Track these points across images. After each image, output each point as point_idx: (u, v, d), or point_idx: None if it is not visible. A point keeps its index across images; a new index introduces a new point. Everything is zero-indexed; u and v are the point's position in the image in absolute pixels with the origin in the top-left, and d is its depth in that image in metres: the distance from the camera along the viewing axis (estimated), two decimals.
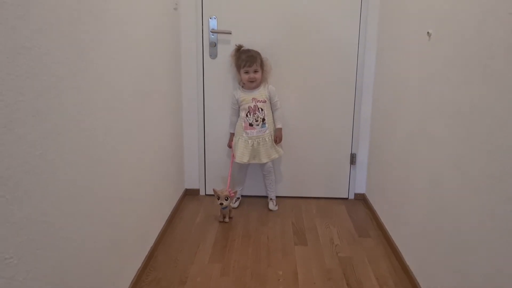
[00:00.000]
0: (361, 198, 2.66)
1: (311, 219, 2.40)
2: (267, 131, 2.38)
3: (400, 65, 1.99)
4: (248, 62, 2.29)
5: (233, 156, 2.43)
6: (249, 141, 2.38)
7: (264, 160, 2.40)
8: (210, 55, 2.46)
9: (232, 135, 2.49)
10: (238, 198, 2.58)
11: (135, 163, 1.68)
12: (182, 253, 1.99)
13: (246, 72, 2.31)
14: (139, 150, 1.73)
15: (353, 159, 2.61)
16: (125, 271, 1.62)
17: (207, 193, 2.69)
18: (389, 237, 2.07)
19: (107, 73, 1.36)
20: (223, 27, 2.41)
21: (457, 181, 1.37)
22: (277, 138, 2.42)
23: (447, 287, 1.44)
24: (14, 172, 0.88)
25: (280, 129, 2.43)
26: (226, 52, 2.44)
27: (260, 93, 2.37)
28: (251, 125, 2.36)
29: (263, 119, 2.36)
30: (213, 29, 2.42)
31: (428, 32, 1.62)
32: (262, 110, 2.36)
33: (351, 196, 2.68)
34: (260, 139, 2.37)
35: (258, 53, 2.34)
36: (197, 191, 2.70)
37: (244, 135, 2.38)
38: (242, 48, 2.38)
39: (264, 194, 2.63)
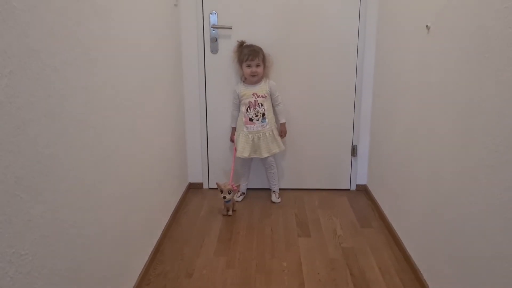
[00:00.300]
0: (362, 189, 2.69)
1: (314, 210, 2.43)
2: (267, 126, 2.40)
3: (399, 57, 2.01)
4: (250, 56, 2.31)
5: (235, 150, 2.46)
6: (250, 135, 2.40)
7: (265, 155, 2.43)
8: (211, 50, 2.48)
9: (234, 129, 2.52)
10: (243, 193, 2.60)
11: (140, 159, 1.71)
12: (188, 246, 2.03)
13: (248, 66, 2.33)
14: (143, 146, 1.76)
15: (354, 151, 2.64)
16: (133, 264, 1.66)
17: (210, 187, 2.73)
18: (391, 227, 2.11)
19: (111, 72, 1.39)
20: (223, 22, 2.43)
21: (457, 171, 1.40)
22: (282, 133, 2.45)
23: (448, 275, 1.47)
24: (28, 172, 0.91)
25: (284, 123, 2.46)
26: (227, 47, 2.46)
27: (261, 88, 2.39)
28: (251, 120, 2.39)
29: (263, 114, 2.38)
30: (213, 24, 2.43)
31: (427, 25, 1.64)
32: (262, 105, 2.38)
33: (353, 188, 2.71)
34: (261, 133, 2.40)
35: (260, 48, 2.36)
36: (201, 184, 2.73)
37: (244, 129, 2.41)
38: (244, 44, 2.39)
39: (267, 186, 2.66)
